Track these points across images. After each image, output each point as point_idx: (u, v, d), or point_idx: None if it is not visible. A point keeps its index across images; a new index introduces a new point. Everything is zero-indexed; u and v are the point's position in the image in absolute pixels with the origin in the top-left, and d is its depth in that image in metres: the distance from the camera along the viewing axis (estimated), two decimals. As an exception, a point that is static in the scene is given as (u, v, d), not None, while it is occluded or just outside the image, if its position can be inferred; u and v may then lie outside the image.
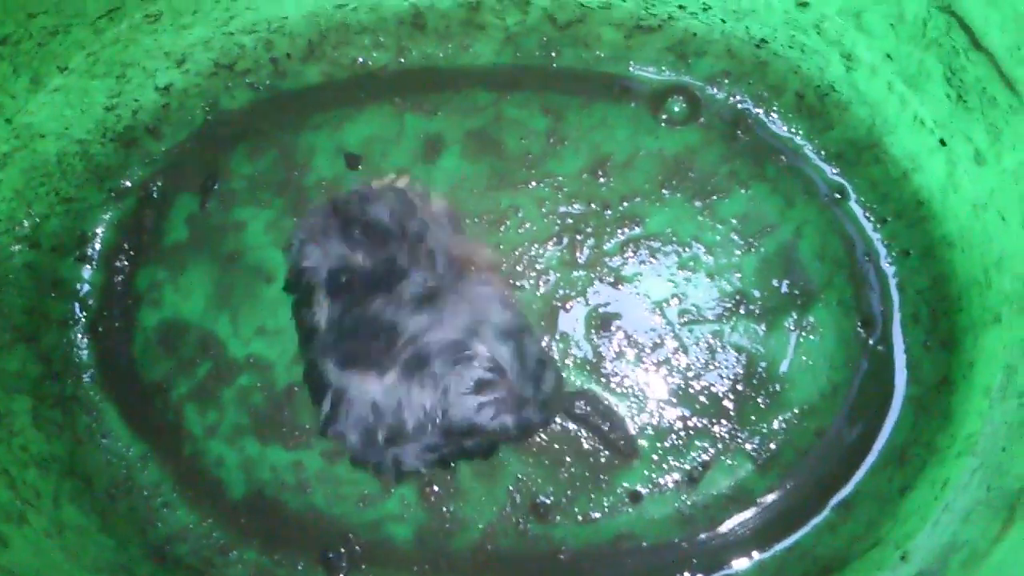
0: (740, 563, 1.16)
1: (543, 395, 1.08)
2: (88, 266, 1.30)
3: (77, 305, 1.28)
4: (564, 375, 1.21)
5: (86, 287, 1.29)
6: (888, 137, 1.21)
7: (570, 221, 1.26)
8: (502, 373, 1.03)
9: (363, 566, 1.19)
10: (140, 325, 1.28)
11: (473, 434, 1.05)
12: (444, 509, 1.19)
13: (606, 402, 1.21)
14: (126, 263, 1.30)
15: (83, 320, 1.28)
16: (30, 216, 1.25)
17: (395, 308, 1.03)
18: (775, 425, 1.19)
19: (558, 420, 1.20)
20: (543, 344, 1.21)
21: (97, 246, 1.30)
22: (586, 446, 1.19)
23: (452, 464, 1.17)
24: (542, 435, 1.20)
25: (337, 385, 1.03)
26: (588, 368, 1.22)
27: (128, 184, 1.32)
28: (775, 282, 1.23)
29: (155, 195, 1.32)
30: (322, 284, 1.06)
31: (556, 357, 1.22)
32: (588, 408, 1.21)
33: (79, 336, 1.28)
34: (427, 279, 1.05)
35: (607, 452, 1.19)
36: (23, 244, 1.25)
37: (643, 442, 1.19)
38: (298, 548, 1.20)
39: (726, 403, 1.20)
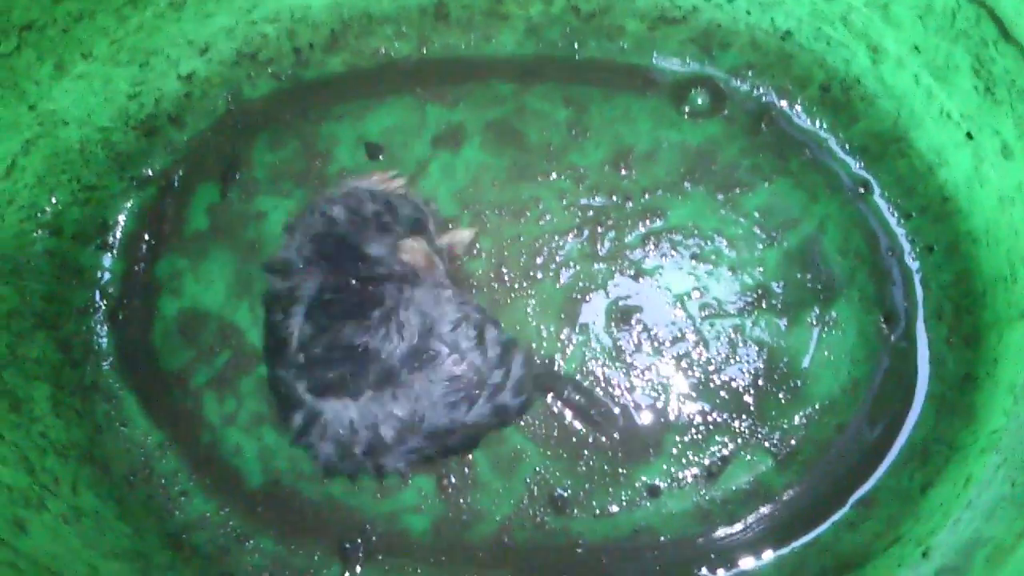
0: (759, 559, 1.16)
1: (514, 378, 1.09)
2: (109, 254, 1.30)
3: (98, 293, 1.28)
4: (537, 355, 1.22)
5: (107, 275, 1.29)
6: (914, 131, 1.20)
7: (591, 213, 1.26)
8: (467, 365, 1.04)
9: (379, 557, 1.19)
10: (160, 314, 1.28)
11: (454, 432, 1.06)
12: (461, 501, 1.19)
13: (586, 382, 1.21)
14: (147, 252, 1.30)
15: (103, 308, 1.28)
16: (52, 203, 1.25)
17: (364, 331, 1.04)
18: (796, 420, 1.18)
19: (567, 412, 1.20)
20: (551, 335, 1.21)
21: (118, 234, 1.30)
22: (604, 439, 1.19)
23: (440, 460, 1.16)
24: (559, 427, 1.19)
25: (311, 407, 1.05)
26: (608, 361, 1.21)
27: (150, 173, 1.32)
28: (797, 276, 1.22)
29: (176, 184, 1.32)
30: (304, 300, 1.07)
31: (572, 350, 1.21)
32: (572, 390, 1.21)
33: (99, 324, 1.28)
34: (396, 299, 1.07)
35: (617, 441, 1.19)
36: (45, 231, 1.25)
37: (662, 436, 1.19)
38: (315, 538, 1.20)
39: (746, 398, 1.19)
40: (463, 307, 1.09)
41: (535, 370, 1.20)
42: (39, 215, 1.24)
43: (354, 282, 1.07)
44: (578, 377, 1.21)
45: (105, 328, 1.28)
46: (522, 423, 1.19)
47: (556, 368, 1.22)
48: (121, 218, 1.31)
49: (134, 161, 1.31)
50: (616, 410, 1.20)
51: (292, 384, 1.06)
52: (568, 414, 1.20)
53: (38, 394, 1.19)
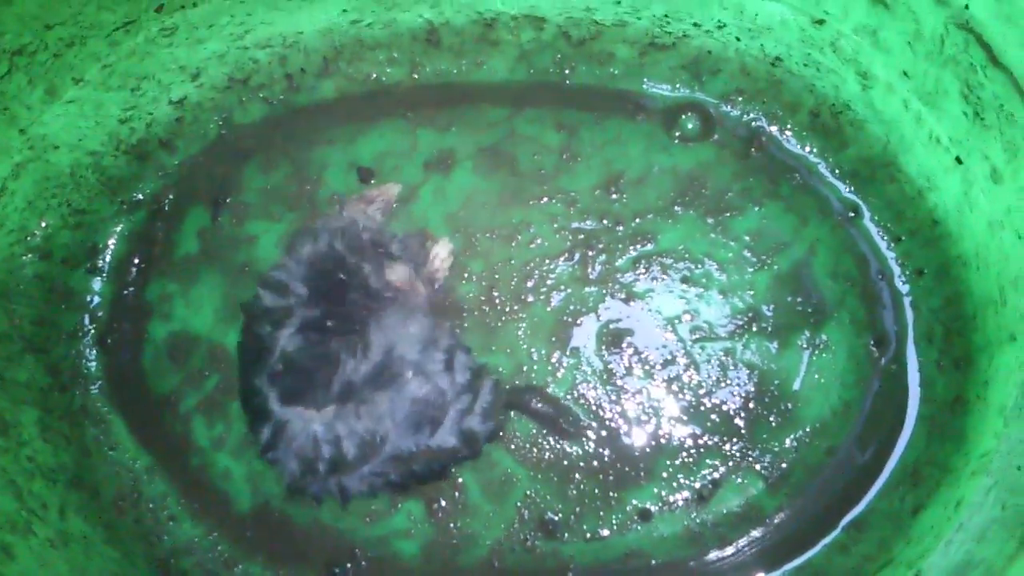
0: (751, 582, 1.15)
1: (483, 404, 1.10)
2: (98, 278, 1.30)
3: (87, 317, 1.28)
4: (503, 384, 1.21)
5: (96, 299, 1.29)
6: (903, 155, 1.21)
7: (582, 237, 1.26)
8: (431, 387, 1.05)
9: (370, 582, 1.18)
10: (150, 337, 1.28)
11: (418, 456, 1.05)
12: (452, 525, 1.18)
13: (574, 404, 1.21)
14: (136, 275, 1.30)
15: (92, 332, 1.28)
16: (42, 227, 1.25)
17: (339, 346, 1.05)
18: (786, 443, 1.18)
19: (545, 431, 1.20)
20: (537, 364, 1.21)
21: (108, 258, 1.30)
22: (595, 463, 1.18)
23: (406, 487, 1.15)
24: (550, 451, 1.19)
25: (279, 417, 1.05)
26: (599, 384, 1.21)
27: (140, 197, 1.32)
28: (788, 300, 1.22)
29: (167, 208, 1.32)
30: (297, 318, 1.07)
31: (563, 373, 1.21)
32: (536, 401, 1.21)
33: (88, 348, 1.27)
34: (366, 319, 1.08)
35: (607, 465, 1.18)
36: (34, 255, 1.25)
37: (653, 459, 1.19)
38: (304, 563, 1.19)
39: (737, 421, 1.19)
40: (434, 331, 1.09)
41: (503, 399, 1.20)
42: (29, 239, 1.24)
43: (343, 304, 1.07)
44: (564, 397, 1.21)
45: (94, 352, 1.27)
46: (512, 447, 1.19)
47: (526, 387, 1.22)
48: (111, 242, 1.31)
49: (125, 185, 1.31)
50: (593, 423, 1.20)
51: (264, 393, 1.06)
52: (543, 431, 1.20)
53: (26, 418, 1.18)
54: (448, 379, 1.07)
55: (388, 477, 1.07)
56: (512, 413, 1.20)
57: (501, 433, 1.18)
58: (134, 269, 1.30)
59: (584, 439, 1.19)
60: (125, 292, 1.29)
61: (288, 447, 1.05)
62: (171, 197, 1.32)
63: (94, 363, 1.27)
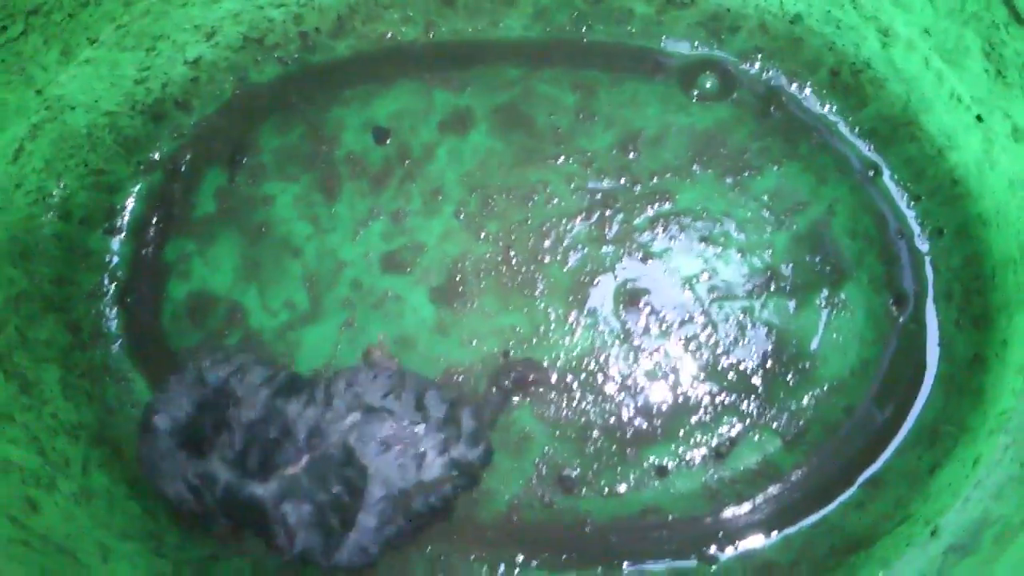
0: (767, 538, 1.16)
1: (467, 432, 1.08)
2: (117, 238, 1.30)
3: (106, 276, 1.29)
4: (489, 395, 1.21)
5: (115, 258, 1.29)
6: (924, 114, 1.20)
7: (599, 197, 1.26)
8: (398, 427, 1.04)
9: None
10: (169, 296, 1.28)
11: (413, 494, 1.04)
12: (470, 482, 1.19)
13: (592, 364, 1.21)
14: (155, 235, 1.30)
15: (112, 291, 1.28)
16: (60, 187, 1.25)
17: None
18: (804, 402, 1.19)
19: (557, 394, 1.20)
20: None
21: (126, 218, 1.31)
22: (613, 420, 1.19)
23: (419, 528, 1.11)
24: (568, 408, 1.19)
25: (272, 508, 1.00)
26: (615, 343, 1.21)
27: (157, 157, 1.32)
28: (807, 259, 1.22)
29: (184, 168, 1.32)
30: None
31: (580, 332, 1.22)
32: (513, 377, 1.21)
33: (108, 307, 1.28)
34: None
35: (624, 422, 1.19)
36: (53, 215, 1.25)
37: (670, 417, 1.19)
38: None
39: (755, 380, 1.19)
40: (396, 377, 1.09)
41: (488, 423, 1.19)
42: (47, 199, 1.24)
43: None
44: (585, 360, 1.21)
45: (114, 311, 1.28)
46: (529, 402, 1.19)
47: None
48: (129, 202, 1.31)
49: (141, 145, 1.31)
50: (610, 381, 1.20)
51: (245, 490, 1.01)
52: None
53: (48, 376, 1.19)
54: (422, 418, 1.05)
55: (398, 524, 1.06)
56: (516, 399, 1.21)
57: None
58: (152, 229, 1.31)
59: (600, 396, 1.20)
60: (144, 252, 1.30)
61: (303, 528, 1.01)
62: (188, 157, 1.32)
63: (114, 322, 1.27)
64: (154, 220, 1.31)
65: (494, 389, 1.20)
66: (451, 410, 1.08)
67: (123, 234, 1.30)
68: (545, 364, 1.21)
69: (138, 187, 1.31)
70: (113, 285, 1.28)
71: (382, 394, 1.06)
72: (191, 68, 1.31)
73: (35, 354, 1.19)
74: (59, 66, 1.19)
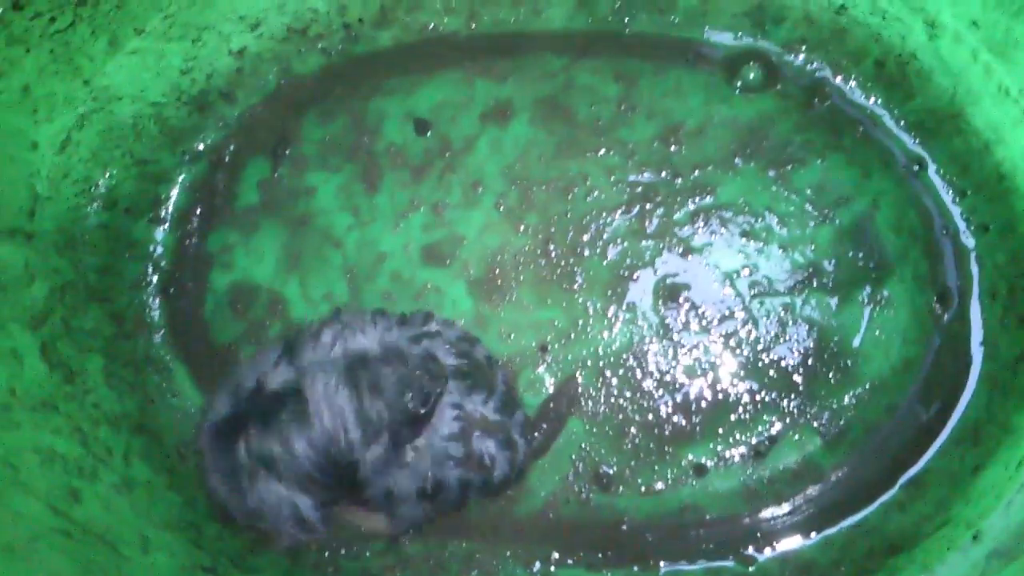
0: (805, 539, 1.15)
1: (515, 419, 1.09)
2: (161, 228, 1.31)
3: (150, 266, 1.30)
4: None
5: (159, 248, 1.31)
6: (971, 107, 1.18)
7: (640, 190, 1.25)
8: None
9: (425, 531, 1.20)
10: (211, 287, 1.29)
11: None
12: (507, 476, 1.19)
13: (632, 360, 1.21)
14: (198, 225, 1.31)
15: (156, 281, 1.30)
16: (106, 177, 1.26)
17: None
18: (845, 400, 1.17)
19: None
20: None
21: (170, 208, 1.32)
22: (651, 418, 1.18)
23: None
24: (605, 405, 1.19)
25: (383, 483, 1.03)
26: (654, 339, 1.21)
27: (201, 147, 1.33)
28: (849, 255, 1.21)
29: (227, 159, 1.33)
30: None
31: (618, 327, 1.21)
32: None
33: (151, 297, 1.29)
34: None
35: (663, 419, 1.18)
36: (99, 204, 1.26)
37: (709, 415, 1.18)
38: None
39: (795, 377, 1.18)
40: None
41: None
42: (93, 189, 1.26)
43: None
44: (624, 355, 1.21)
45: (157, 301, 1.29)
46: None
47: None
48: (173, 192, 1.32)
49: (186, 136, 1.32)
50: (649, 378, 1.20)
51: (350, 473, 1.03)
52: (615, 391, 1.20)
53: (91, 366, 1.20)
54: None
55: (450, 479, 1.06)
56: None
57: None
58: (196, 219, 1.32)
59: (638, 393, 1.19)
60: (187, 242, 1.31)
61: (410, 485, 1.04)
62: (231, 148, 1.33)
63: (157, 312, 1.29)
64: (197, 211, 1.32)
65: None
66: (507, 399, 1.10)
67: (167, 224, 1.31)
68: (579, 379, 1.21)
69: (182, 177, 1.33)
70: (156, 275, 1.30)
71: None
72: (236, 59, 1.32)
73: (79, 344, 1.20)
74: (106, 57, 1.20)
